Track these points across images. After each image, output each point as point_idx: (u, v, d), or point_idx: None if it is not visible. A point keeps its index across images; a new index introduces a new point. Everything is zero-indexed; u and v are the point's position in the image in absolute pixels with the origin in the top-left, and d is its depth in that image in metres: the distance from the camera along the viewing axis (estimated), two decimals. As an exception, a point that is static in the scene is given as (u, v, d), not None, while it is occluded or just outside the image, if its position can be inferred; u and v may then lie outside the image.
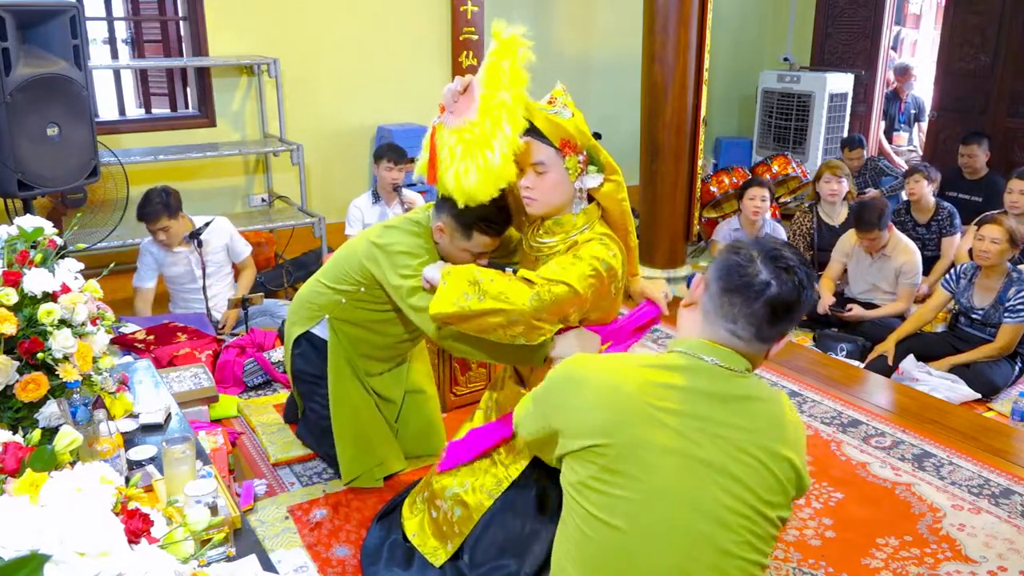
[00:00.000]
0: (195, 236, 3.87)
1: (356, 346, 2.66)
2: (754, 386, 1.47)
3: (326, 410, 2.70)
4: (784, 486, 1.44)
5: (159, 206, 3.78)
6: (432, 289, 2.14)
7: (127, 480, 1.51)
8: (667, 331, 4.30)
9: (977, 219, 4.38)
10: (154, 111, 5.97)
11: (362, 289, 2.53)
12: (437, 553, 2.32)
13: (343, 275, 2.56)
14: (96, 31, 7.24)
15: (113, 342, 2.49)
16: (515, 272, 2.13)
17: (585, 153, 2.05)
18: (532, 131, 2.04)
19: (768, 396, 1.48)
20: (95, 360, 1.72)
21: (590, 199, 2.14)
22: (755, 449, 1.41)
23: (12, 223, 1.82)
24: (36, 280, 1.67)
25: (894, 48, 7.54)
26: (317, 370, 2.69)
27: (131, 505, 1.08)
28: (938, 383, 3.67)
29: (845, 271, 4.57)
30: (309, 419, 2.84)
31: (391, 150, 4.26)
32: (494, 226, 2.30)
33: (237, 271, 4.22)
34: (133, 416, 2.08)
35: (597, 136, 2.14)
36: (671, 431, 1.40)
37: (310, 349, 2.69)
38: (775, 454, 1.43)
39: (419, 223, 2.41)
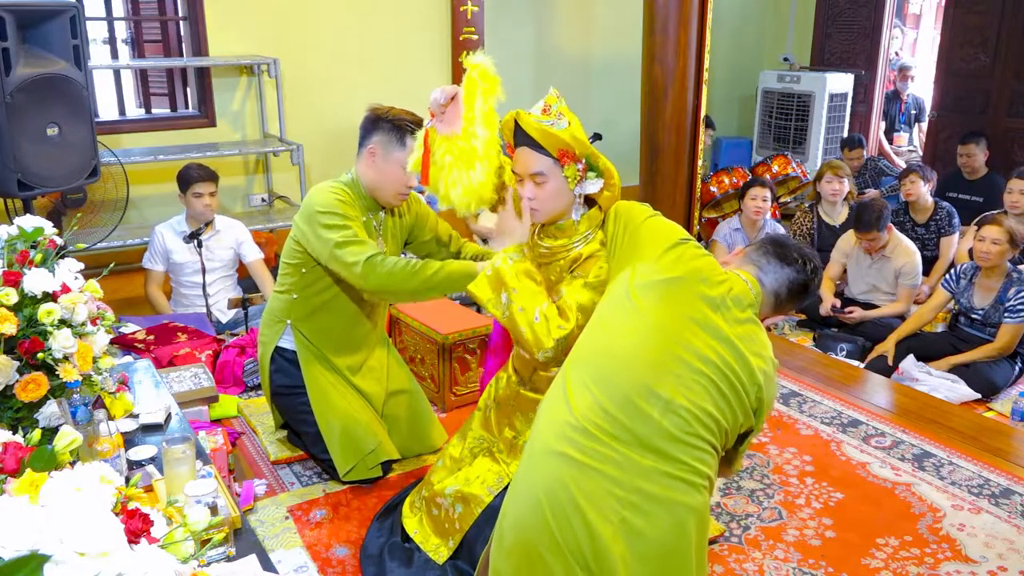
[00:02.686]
0: (195, 236, 3.87)
1: (323, 342, 2.74)
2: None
3: (311, 416, 2.73)
4: (756, 387, 1.75)
5: (208, 171, 3.92)
6: (480, 235, 2.28)
7: (127, 480, 1.51)
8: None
9: (977, 219, 4.38)
10: (154, 111, 5.97)
11: (304, 271, 2.64)
12: (439, 551, 2.32)
13: (285, 270, 2.70)
14: (96, 31, 7.24)
15: (113, 342, 2.49)
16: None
17: (584, 161, 2.06)
18: (528, 141, 2.06)
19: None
20: (95, 360, 1.72)
21: (592, 203, 2.15)
22: (752, 352, 1.75)
23: (12, 223, 1.82)
24: (36, 280, 1.67)
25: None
26: (295, 380, 2.75)
27: (131, 505, 1.08)
28: (938, 383, 3.67)
29: (845, 271, 4.57)
30: (299, 429, 2.86)
31: None
32: (412, 126, 2.51)
33: (246, 273, 4.20)
34: (133, 416, 2.08)
35: (598, 137, 2.15)
36: (692, 295, 1.79)
37: (284, 363, 2.77)
38: (764, 369, 1.77)
39: (337, 181, 2.61)
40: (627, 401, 1.67)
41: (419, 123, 2.49)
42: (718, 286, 1.80)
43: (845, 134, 6.72)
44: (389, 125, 2.53)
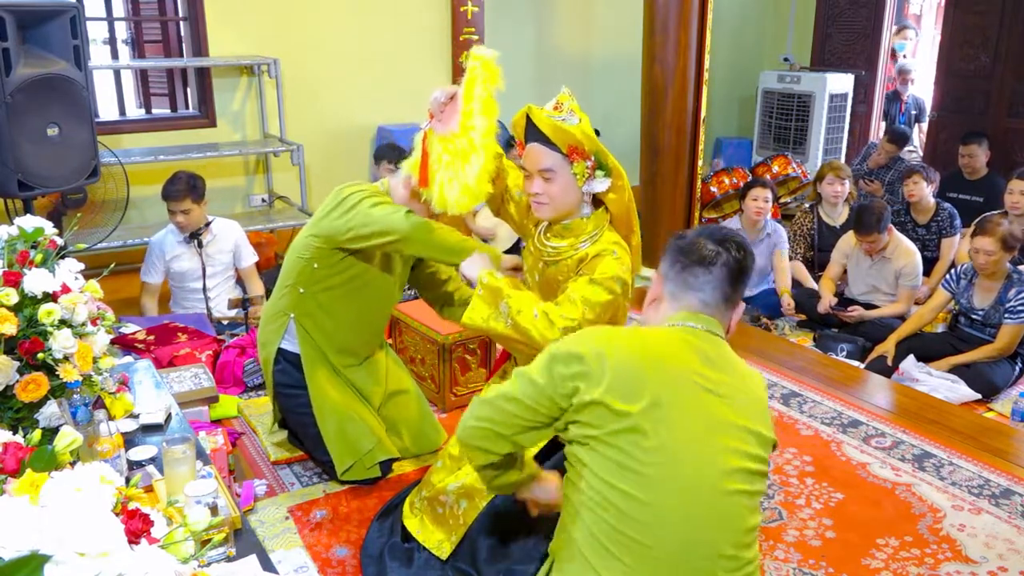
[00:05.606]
0: (195, 236, 3.87)
1: (326, 339, 2.73)
2: (736, 357, 1.64)
3: (311, 417, 2.73)
4: (768, 434, 1.60)
5: (186, 187, 3.81)
6: (467, 282, 2.23)
7: (127, 480, 1.51)
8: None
9: (977, 220, 4.37)
10: (154, 111, 5.97)
11: (315, 266, 2.61)
12: (443, 546, 2.32)
13: (292, 267, 2.67)
14: (96, 31, 7.23)
15: (113, 342, 2.49)
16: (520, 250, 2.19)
17: (593, 158, 2.08)
18: (539, 137, 2.08)
19: (749, 371, 1.66)
20: (95, 360, 1.72)
21: (599, 203, 2.16)
22: (750, 406, 1.58)
23: (12, 223, 1.82)
24: (36, 280, 1.67)
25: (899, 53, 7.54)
26: (296, 381, 2.75)
27: (131, 505, 1.07)
28: (938, 383, 3.66)
29: (845, 272, 4.57)
30: (299, 430, 2.87)
31: (392, 151, 4.26)
32: None
33: (240, 278, 4.19)
34: (133, 416, 2.08)
35: (596, 134, 2.18)
36: (693, 388, 1.52)
37: (286, 364, 2.77)
38: (763, 413, 1.61)
39: (367, 184, 2.59)
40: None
41: None
42: (713, 368, 1.57)
43: (845, 134, 6.72)
44: None
